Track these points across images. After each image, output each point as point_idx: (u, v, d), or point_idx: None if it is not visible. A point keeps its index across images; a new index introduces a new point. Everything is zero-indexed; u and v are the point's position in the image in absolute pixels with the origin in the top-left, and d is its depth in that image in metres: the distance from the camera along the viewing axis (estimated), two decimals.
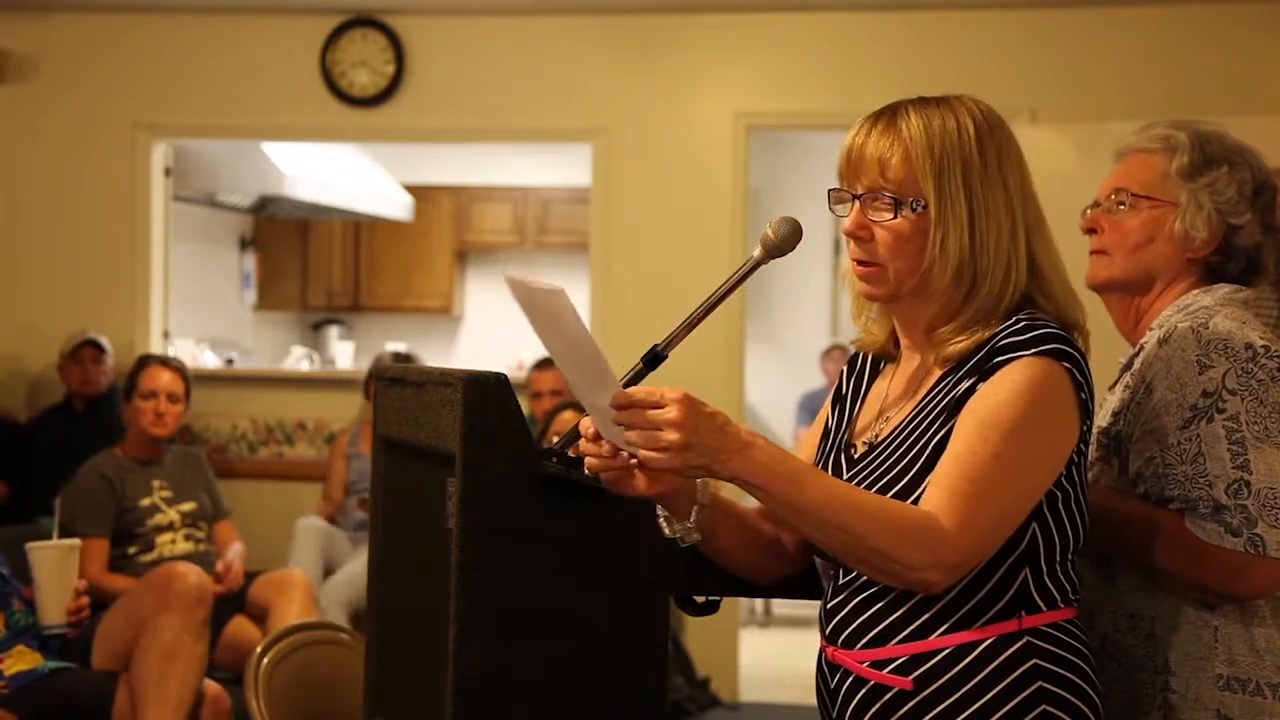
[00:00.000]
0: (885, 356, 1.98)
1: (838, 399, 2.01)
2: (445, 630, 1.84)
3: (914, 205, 1.79)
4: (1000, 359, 1.75)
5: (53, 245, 6.73)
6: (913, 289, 1.82)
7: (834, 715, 1.86)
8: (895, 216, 1.80)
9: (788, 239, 1.84)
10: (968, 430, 1.72)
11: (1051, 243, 1.86)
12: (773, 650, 7.34)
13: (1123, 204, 2.16)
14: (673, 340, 1.84)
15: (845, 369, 2.04)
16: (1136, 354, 2.12)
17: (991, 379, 1.74)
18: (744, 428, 1.67)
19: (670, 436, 1.61)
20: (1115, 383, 2.15)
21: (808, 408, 8.92)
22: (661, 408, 1.62)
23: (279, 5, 6.59)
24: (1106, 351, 2.28)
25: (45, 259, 6.73)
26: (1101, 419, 2.13)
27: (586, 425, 1.74)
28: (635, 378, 1.80)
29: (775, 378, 9.16)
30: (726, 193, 6.43)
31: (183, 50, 6.72)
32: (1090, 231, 2.21)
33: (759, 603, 8.20)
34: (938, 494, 1.68)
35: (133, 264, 6.72)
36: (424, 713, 2.02)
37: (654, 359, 1.77)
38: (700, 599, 1.97)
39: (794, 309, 9.38)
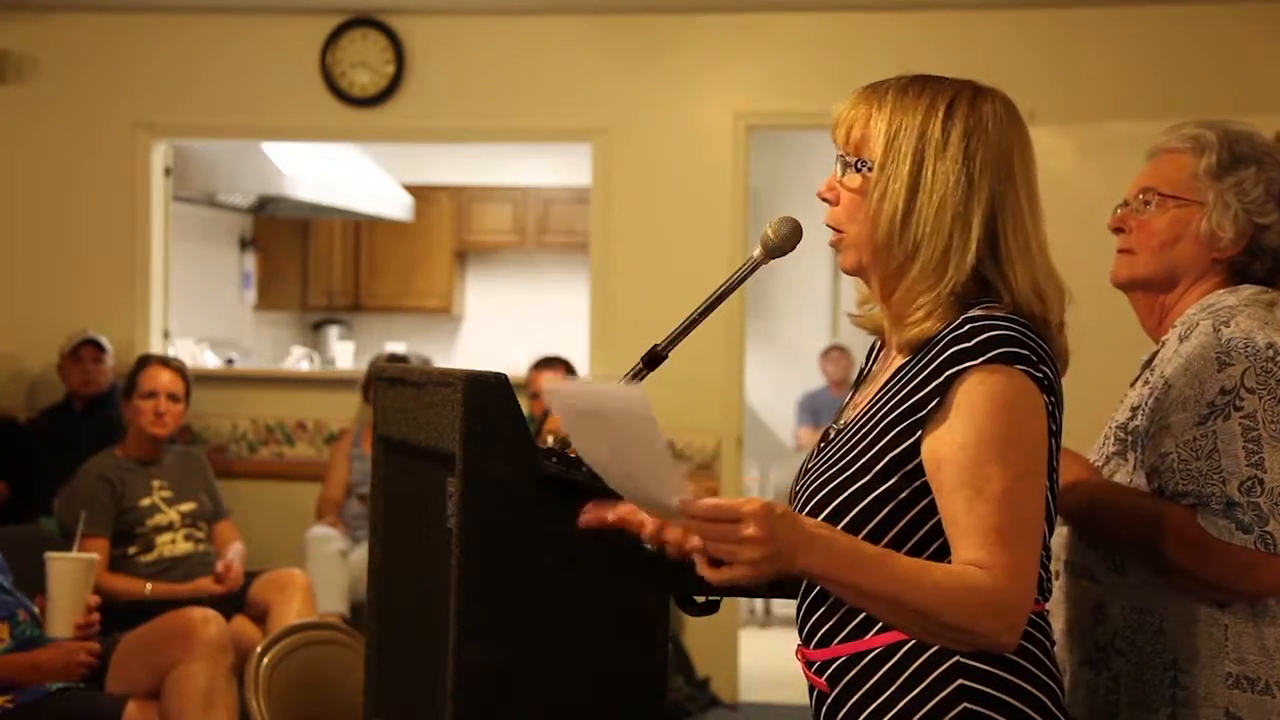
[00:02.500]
0: (885, 345, 1.98)
1: (855, 384, 2.02)
2: (445, 630, 1.84)
3: (858, 165, 1.81)
4: (951, 372, 1.72)
5: (53, 245, 6.73)
6: (868, 255, 1.82)
7: (811, 712, 1.88)
8: (844, 176, 1.82)
9: (788, 239, 1.85)
10: (967, 475, 1.69)
11: (1031, 234, 1.81)
12: (773, 650, 7.34)
13: (1149, 203, 2.16)
14: (673, 340, 1.84)
15: (867, 353, 2.04)
16: (1158, 351, 2.12)
17: (956, 402, 1.71)
18: (808, 520, 1.65)
19: (750, 555, 1.57)
20: (1136, 379, 2.15)
21: (808, 408, 8.92)
22: (739, 522, 1.57)
23: (279, 5, 6.59)
24: (1124, 349, 2.28)
25: (45, 259, 6.73)
26: (1120, 414, 2.13)
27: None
28: (635, 378, 1.80)
29: (775, 378, 9.16)
30: (726, 193, 6.43)
31: (183, 50, 6.72)
32: (1118, 230, 2.21)
33: (759, 603, 8.20)
34: (978, 556, 1.67)
35: (133, 264, 6.72)
36: (424, 713, 2.02)
37: (654, 359, 1.77)
38: (700, 599, 1.97)
39: (794, 309, 9.38)
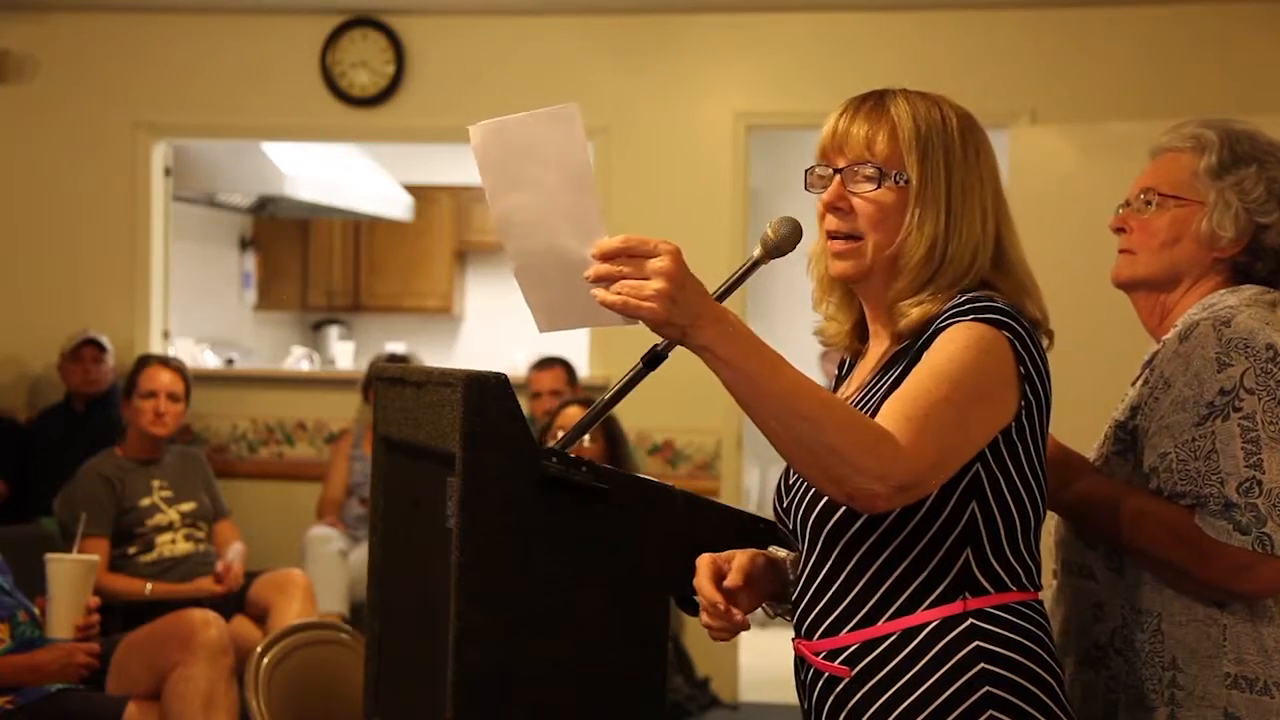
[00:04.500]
0: (857, 355, 2.00)
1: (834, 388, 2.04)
2: (445, 630, 1.84)
3: (897, 178, 1.83)
4: (942, 325, 1.77)
5: (53, 245, 6.73)
6: (885, 265, 1.85)
7: (806, 706, 1.89)
8: (878, 187, 1.83)
9: (788, 239, 1.85)
10: (918, 376, 1.72)
11: (1019, 242, 1.88)
12: (773, 650, 7.32)
13: (1150, 203, 2.16)
14: (673, 341, 1.83)
15: (837, 373, 2.07)
16: (1158, 351, 2.12)
17: (936, 340, 1.76)
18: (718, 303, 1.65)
19: (658, 285, 1.58)
20: (1136, 378, 2.15)
21: None
22: (654, 256, 1.59)
23: (279, 5, 6.59)
24: (1124, 349, 2.28)
25: (45, 259, 6.73)
26: (1119, 413, 2.13)
27: (705, 584, 1.84)
28: (635, 378, 1.80)
29: None
30: (726, 193, 6.43)
31: (183, 50, 6.72)
32: (1119, 231, 2.21)
33: None
34: (892, 418, 1.67)
35: (133, 264, 6.72)
36: (424, 713, 2.02)
37: (654, 359, 1.76)
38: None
39: (794, 309, 9.37)
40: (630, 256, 1.60)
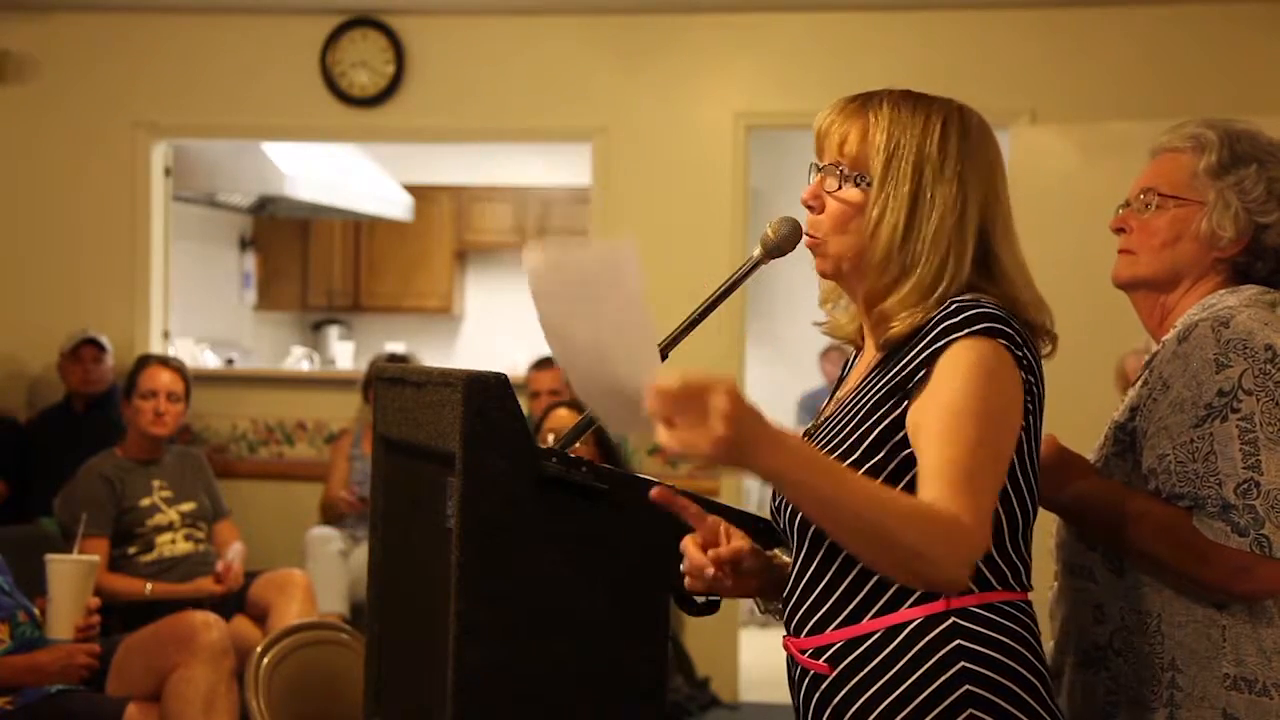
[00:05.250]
0: (859, 353, 2.00)
1: (834, 391, 2.04)
2: (445, 630, 1.84)
3: (858, 180, 1.82)
4: (939, 344, 1.76)
5: (53, 245, 6.73)
6: (852, 266, 1.85)
7: (796, 704, 1.89)
8: (841, 188, 1.83)
9: (788, 239, 1.85)
10: (943, 426, 1.71)
11: (1017, 248, 1.87)
12: (773, 650, 7.31)
13: (1150, 204, 2.16)
14: (673, 340, 1.84)
15: (839, 374, 2.07)
16: (1158, 351, 2.12)
17: (939, 368, 1.75)
18: (772, 419, 1.61)
19: (720, 431, 1.52)
20: (1136, 379, 2.15)
21: (808, 408, 8.93)
22: (711, 393, 1.52)
23: (279, 5, 6.59)
24: (1125, 349, 2.28)
25: (45, 259, 6.73)
26: (1119, 414, 2.13)
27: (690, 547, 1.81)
28: None
29: (775, 378, 9.16)
30: (726, 193, 6.43)
31: (183, 50, 6.72)
32: (1119, 231, 2.21)
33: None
34: (942, 493, 1.67)
35: (133, 264, 6.72)
36: (424, 713, 2.02)
37: None
38: (700, 599, 1.97)
39: (794, 309, 9.38)
40: (689, 399, 1.53)
